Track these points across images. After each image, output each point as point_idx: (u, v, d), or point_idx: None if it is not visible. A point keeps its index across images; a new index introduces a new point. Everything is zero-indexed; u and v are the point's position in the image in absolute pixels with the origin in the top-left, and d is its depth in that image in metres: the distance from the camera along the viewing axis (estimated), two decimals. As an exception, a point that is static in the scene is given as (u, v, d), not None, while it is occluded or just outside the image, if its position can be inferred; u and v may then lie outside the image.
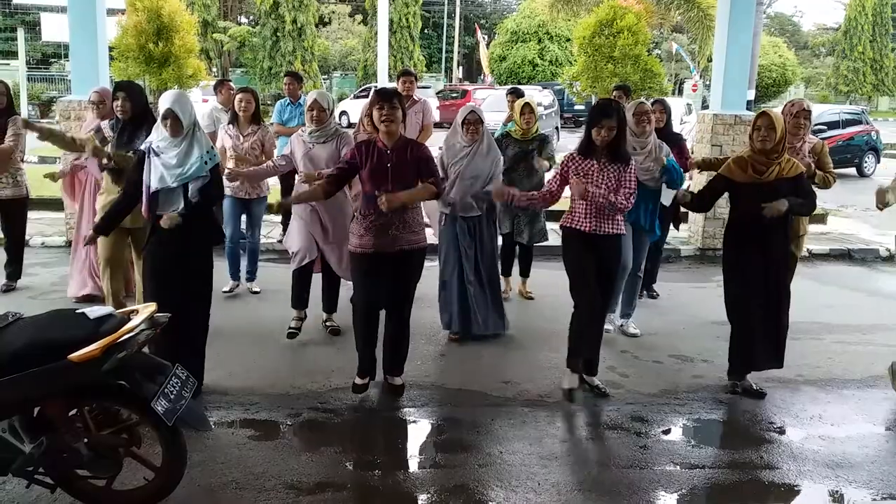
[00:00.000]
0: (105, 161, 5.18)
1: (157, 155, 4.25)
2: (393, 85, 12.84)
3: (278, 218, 8.39)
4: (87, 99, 6.33)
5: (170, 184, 4.21)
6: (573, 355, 4.77)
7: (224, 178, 5.45)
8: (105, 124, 5.43)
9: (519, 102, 6.47)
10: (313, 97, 5.30)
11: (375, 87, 12.93)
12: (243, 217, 6.70)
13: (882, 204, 4.71)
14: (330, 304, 5.82)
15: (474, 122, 5.42)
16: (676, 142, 6.24)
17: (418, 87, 8.23)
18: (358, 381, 4.71)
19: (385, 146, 4.41)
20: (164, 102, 4.23)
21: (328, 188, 4.56)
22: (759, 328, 4.70)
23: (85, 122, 6.53)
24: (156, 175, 4.24)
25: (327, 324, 5.80)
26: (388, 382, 4.75)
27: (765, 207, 4.45)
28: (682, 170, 5.63)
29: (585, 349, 4.76)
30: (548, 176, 5.61)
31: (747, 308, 4.72)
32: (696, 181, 8.51)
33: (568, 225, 4.70)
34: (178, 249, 4.32)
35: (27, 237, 8.12)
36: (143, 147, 4.36)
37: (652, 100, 6.46)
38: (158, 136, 4.30)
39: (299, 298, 5.70)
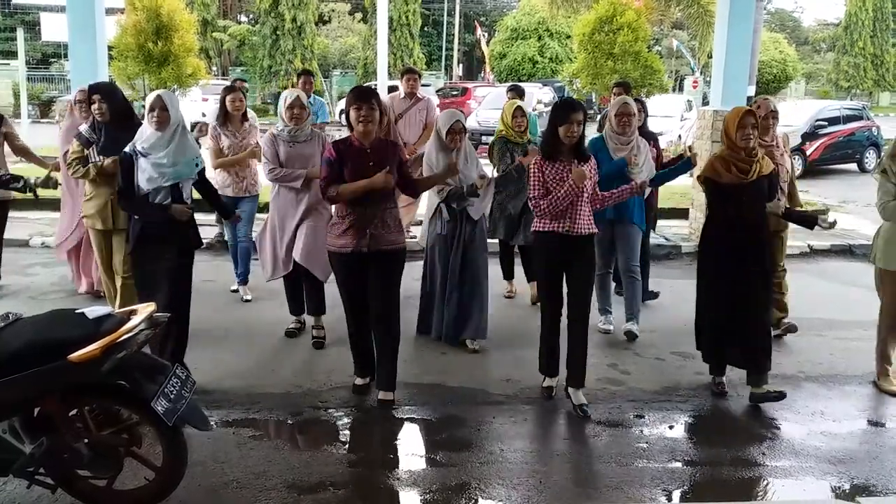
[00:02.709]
0: (93, 176, 5.14)
1: (143, 156, 4.25)
2: (394, 82, 12.81)
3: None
4: (73, 98, 6.29)
5: (162, 183, 4.22)
6: (546, 361, 4.76)
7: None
8: (84, 128, 5.29)
9: (510, 105, 6.31)
10: (294, 96, 5.26)
11: (375, 85, 12.91)
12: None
13: None
14: (316, 305, 5.60)
15: (460, 130, 5.29)
16: (651, 139, 6.24)
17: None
18: (358, 381, 4.71)
19: (363, 145, 4.34)
20: (152, 94, 4.29)
21: (333, 196, 4.42)
22: (733, 328, 4.62)
23: (68, 123, 6.36)
24: (144, 176, 4.25)
25: (314, 332, 5.59)
26: (379, 398, 4.56)
27: (769, 205, 4.42)
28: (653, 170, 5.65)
29: (555, 357, 4.75)
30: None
31: (717, 309, 4.67)
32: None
33: (541, 228, 4.57)
34: (164, 250, 4.37)
35: (27, 237, 8.17)
36: (126, 150, 4.34)
37: (634, 98, 6.43)
38: (142, 137, 4.30)
39: (294, 304, 5.70)
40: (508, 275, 6.82)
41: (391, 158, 4.40)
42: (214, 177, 6.37)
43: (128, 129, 4.62)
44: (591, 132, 6.41)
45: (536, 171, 4.52)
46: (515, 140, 6.21)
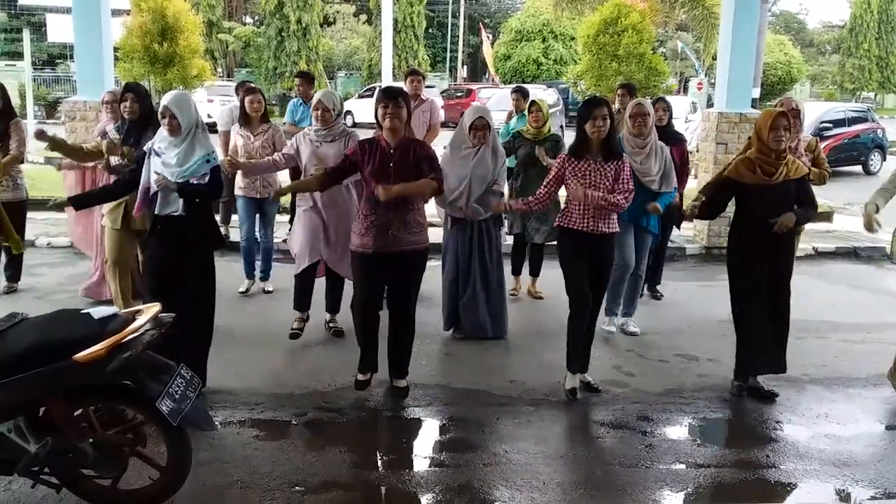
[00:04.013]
0: (119, 159, 5.17)
1: (157, 155, 4.27)
2: (399, 84, 12.79)
3: (286, 218, 8.39)
4: (101, 99, 6.36)
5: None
6: (572, 356, 4.77)
7: (227, 173, 5.52)
8: (111, 127, 5.42)
9: (528, 103, 6.50)
10: (318, 97, 5.31)
11: (380, 86, 12.91)
12: (257, 216, 6.74)
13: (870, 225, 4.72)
14: (333, 304, 5.80)
15: (482, 127, 5.35)
16: (677, 141, 6.20)
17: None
18: (360, 377, 4.72)
19: (388, 145, 4.39)
20: (164, 101, 4.27)
21: (324, 180, 4.63)
22: (764, 332, 4.66)
23: (99, 123, 6.51)
24: (155, 174, 4.25)
25: (330, 325, 5.79)
26: (393, 385, 4.73)
27: (774, 223, 4.40)
28: (671, 200, 5.53)
29: (581, 349, 4.78)
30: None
31: (753, 312, 4.67)
32: (701, 180, 8.49)
33: (564, 225, 4.67)
34: (177, 250, 4.33)
35: (33, 238, 8.18)
36: (146, 148, 4.38)
37: (654, 98, 6.43)
38: (160, 136, 4.33)
39: (301, 301, 5.70)
40: (515, 271, 6.84)
41: (414, 158, 4.41)
42: (237, 178, 6.52)
43: (151, 129, 4.69)
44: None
45: (558, 165, 4.62)
46: (528, 136, 6.31)
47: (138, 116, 5.08)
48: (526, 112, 6.45)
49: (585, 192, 4.46)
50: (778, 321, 4.68)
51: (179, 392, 3.12)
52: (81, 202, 4.69)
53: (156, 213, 4.34)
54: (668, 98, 6.89)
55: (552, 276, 6.76)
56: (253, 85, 6.88)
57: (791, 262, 4.75)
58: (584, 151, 4.56)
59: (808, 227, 5.77)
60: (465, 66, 47.00)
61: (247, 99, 6.48)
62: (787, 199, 4.52)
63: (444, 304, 5.76)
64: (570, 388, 4.74)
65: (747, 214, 4.61)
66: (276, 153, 5.57)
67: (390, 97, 4.36)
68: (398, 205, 4.38)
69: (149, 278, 4.46)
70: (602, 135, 4.47)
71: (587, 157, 4.55)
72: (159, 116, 4.29)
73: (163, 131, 4.31)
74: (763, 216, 4.48)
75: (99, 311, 3.17)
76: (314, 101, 5.32)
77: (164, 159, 4.25)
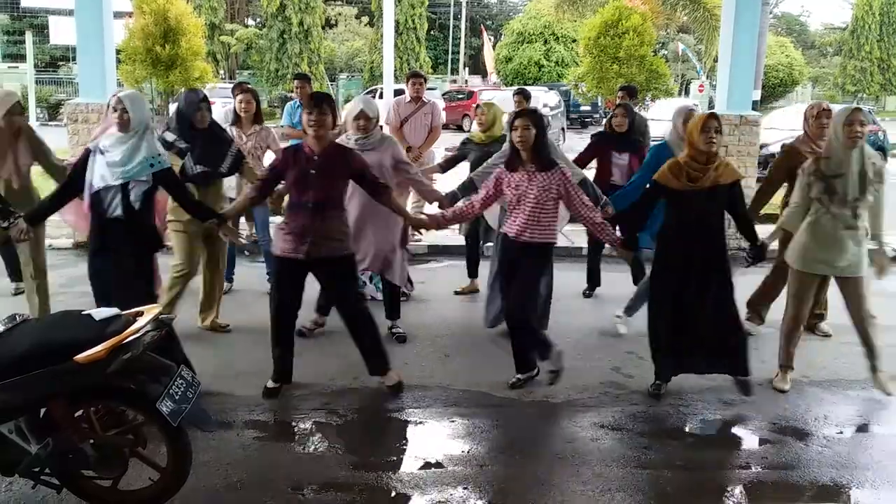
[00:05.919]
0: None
1: (101, 153, 4.26)
2: (400, 86, 12.81)
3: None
4: (108, 103, 6.34)
5: (111, 181, 4.22)
6: None
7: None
8: (170, 135, 5.28)
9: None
10: (360, 107, 5.14)
11: (382, 88, 12.93)
12: (241, 220, 6.69)
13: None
14: (393, 310, 5.69)
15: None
16: (636, 149, 6.29)
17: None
18: (270, 384, 4.66)
19: (312, 152, 4.36)
20: (115, 95, 4.28)
21: (254, 195, 4.61)
22: (690, 335, 4.61)
23: (102, 125, 6.47)
24: (98, 173, 4.25)
25: (393, 331, 5.67)
26: (385, 384, 4.71)
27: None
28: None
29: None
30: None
31: (668, 313, 4.64)
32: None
33: (501, 230, 4.76)
34: (118, 253, 4.34)
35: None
36: (90, 146, 4.36)
37: (616, 104, 6.47)
38: (105, 135, 4.34)
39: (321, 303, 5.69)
40: (472, 273, 6.80)
41: (340, 167, 4.41)
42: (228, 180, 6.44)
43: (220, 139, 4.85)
44: (588, 134, 6.42)
45: (496, 177, 4.65)
46: (477, 140, 6.22)
47: (210, 124, 5.19)
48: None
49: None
50: (720, 322, 4.58)
51: (180, 393, 3.13)
52: (36, 218, 4.49)
53: (103, 215, 4.32)
54: (668, 101, 6.92)
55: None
56: (248, 85, 6.82)
57: (726, 264, 4.61)
58: (517, 162, 4.58)
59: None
60: (467, 69, 47.06)
61: (237, 98, 6.41)
62: (715, 205, 4.49)
63: (487, 301, 5.71)
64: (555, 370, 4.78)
65: (675, 219, 4.57)
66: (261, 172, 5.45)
67: (315, 104, 4.30)
68: (314, 213, 4.36)
69: (96, 282, 4.44)
70: (526, 144, 4.47)
71: (520, 167, 4.56)
72: (111, 110, 4.27)
73: (111, 131, 4.30)
74: (688, 221, 4.49)
75: (100, 313, 3.19)
76: (355, 110, 5.16)
77: (107, 158, 4.23)
